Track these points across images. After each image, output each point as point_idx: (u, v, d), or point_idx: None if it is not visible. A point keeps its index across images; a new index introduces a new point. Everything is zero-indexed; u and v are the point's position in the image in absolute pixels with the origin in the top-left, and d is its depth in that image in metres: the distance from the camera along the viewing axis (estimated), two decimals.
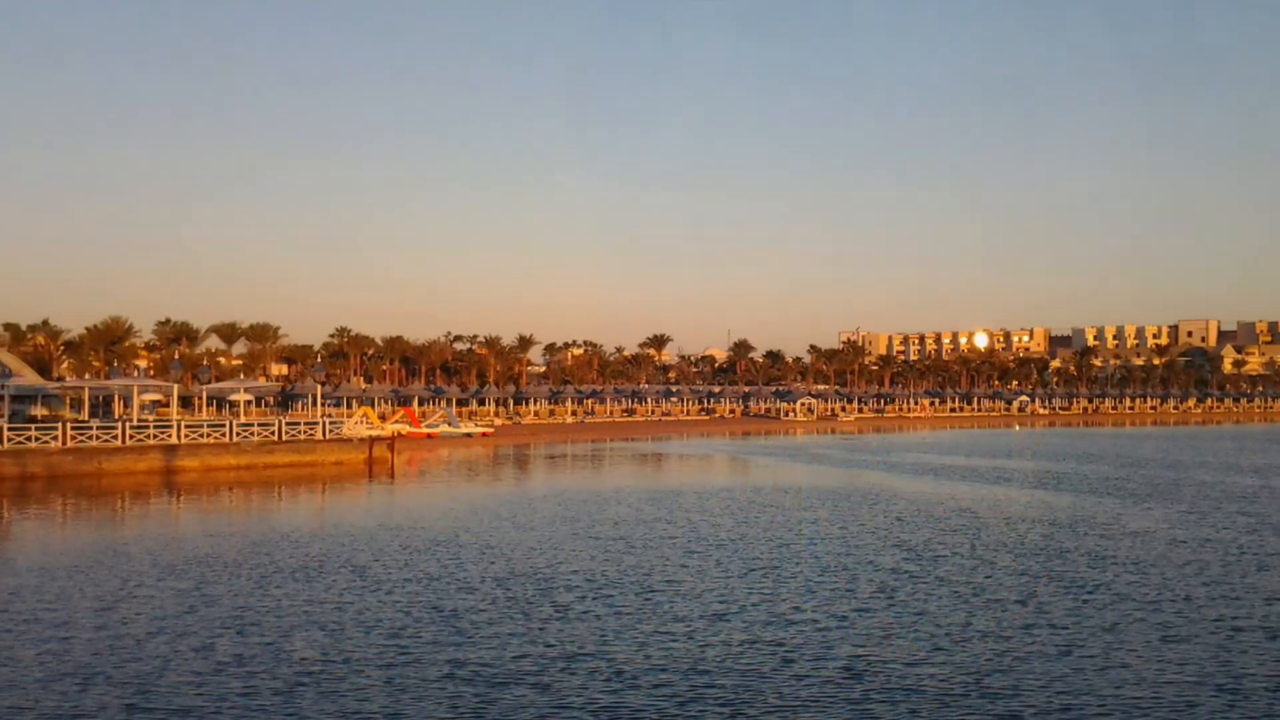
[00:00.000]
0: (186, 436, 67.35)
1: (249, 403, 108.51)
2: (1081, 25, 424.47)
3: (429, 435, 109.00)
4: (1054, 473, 68.75)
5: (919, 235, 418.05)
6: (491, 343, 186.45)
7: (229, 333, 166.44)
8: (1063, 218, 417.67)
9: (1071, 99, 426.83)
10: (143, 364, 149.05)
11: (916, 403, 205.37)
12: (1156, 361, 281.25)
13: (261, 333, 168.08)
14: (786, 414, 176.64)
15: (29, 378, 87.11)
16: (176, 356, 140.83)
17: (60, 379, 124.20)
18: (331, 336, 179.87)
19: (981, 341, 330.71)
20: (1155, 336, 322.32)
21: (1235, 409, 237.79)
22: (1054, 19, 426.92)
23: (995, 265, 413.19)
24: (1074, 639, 22.28)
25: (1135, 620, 24.07)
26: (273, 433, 71.22)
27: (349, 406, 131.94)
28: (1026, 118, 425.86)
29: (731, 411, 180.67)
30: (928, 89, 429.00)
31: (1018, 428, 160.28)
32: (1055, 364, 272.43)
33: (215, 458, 67.04)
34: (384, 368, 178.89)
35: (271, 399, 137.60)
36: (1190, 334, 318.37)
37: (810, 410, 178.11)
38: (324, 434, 73.78)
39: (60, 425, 64.06)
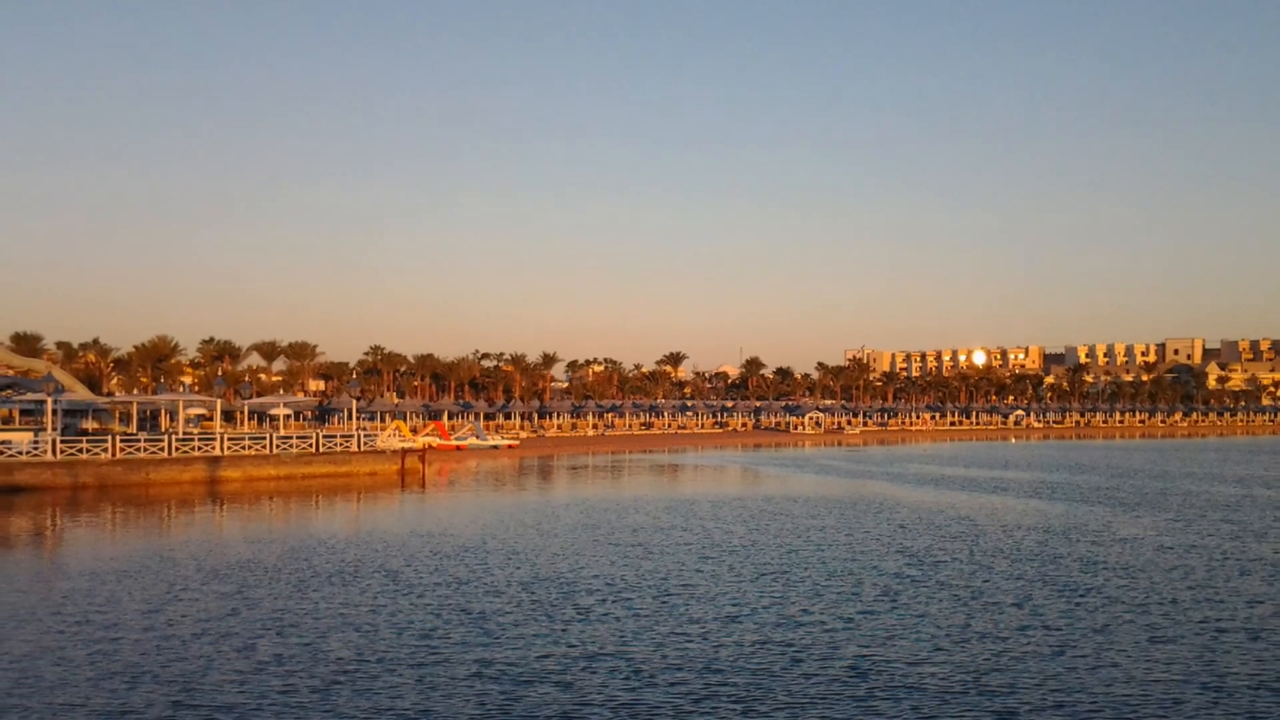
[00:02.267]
0: (229, 448, 67.48)
1: (288, 417, 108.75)
2: (1076, 48, 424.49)
3: (458, 447, 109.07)
4: (1048, 483, 68.48)
5: (921, 258, 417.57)
6: (517, 360, 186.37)
7: (269, 351, 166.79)
8: (1056, 242, 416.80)
9: (1068, 126, 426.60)
10: (188, 380, 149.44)
11: (918, 417, 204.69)
12: (1145, 378, 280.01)
13: (300, 351, 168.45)
14: (795, 427, 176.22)
15: (81, 393, 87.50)
16: (219, 373, 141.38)
17: (110, 394, 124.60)
18: (366, 354, 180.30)
19: (980, 359, 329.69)
20: (1144, 354, 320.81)
21: (1219, 423, 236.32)
22: (1048, 39, 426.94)
23: (993, 286, 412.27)
24: (1067, 640, 22.21)
25: (1125, 622, 23.98)
26: (310, 445, 71.30)
27: (383, 420, 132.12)
28: (1024, 146, 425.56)
29: (743, 425, 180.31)
30: (930, 117, 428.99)
31: (1014, 440, 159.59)
32: (1049, 380, 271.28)
33: (256, 468, 67.17)
34: (415, 384, 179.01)
35: (309, 413, 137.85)
36: (1177, 352, 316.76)
37: (818, 424, 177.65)
38: (359, 446, 73.85)
39: (110, 438, 64.24)
